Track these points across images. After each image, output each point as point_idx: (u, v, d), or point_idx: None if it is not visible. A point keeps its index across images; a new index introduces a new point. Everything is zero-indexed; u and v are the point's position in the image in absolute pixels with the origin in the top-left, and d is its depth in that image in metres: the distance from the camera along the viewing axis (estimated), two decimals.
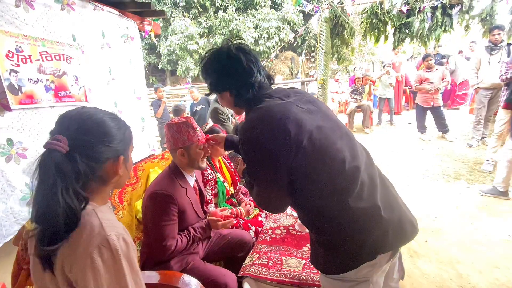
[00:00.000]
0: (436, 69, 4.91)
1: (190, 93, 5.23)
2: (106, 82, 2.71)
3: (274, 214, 1.95)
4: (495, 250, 2.20)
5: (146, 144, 3.44)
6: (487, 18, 4.47)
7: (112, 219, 0.69)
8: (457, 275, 1.96)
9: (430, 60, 4.94)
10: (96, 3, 2.50)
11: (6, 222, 1.77)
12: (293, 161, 0.81)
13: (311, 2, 7.86)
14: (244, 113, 1.00)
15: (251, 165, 0.89)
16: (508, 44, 3.91)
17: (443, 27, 4.75)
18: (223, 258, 1.68)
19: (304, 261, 1.42)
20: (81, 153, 0.66)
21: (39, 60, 1.95)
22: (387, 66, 6.28)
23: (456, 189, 3.43)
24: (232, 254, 1.65)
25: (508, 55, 3.82)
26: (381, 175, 0.93)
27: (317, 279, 1.28)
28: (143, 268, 1.37)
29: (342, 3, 5.16)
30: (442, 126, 4.97)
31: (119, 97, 2.89)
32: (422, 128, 5.17)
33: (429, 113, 5.06)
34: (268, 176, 0.86)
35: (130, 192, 1.81)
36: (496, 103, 4.14)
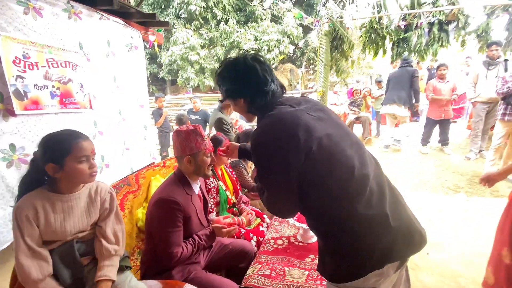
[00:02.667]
0: (448, 81, 4.73)
1: (193, 103, 5.29)
2: (110, 90, 2.73)
3: (275, 224, 1.94)
4: None
5: (148, 153, 3.43)
6: (483, 34, 4.59)
7: (25, 197, 1.08)
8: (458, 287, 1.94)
9: (444, 70, 4.67)
10: (102, 13, 2.54)
11: (4, 228, 1.74)
12: (302, 166, 0.83)
13: (311, 15, 8.05)
14: (256, 120, 1.03)
15: (262, 169, 0.92)
16: (505, 60, 4.01)
17: (440, 42, 4.88)
18: (224, 269, 1.65)
19: (307, 272, 1.41)
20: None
21: (45, 66, 1.97)
22: (378, 85, 6.38)
23: (456, 202, 3.43)
24: (233, 264, 1.63)
25: (505, 70, 3.91)
26: (390, 184, 0.94)
27: None
28: (144, 277, 1.35)
29: (341, 17, 5.30)
30: (444, 139, 4.98)
31: (123, 105, 2.91)
32: (425, 141, 5.09)
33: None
34: (278, 180, 0.87)
35: (132, 199, 1.80)
36: (493, 116, 4.20)
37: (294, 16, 5.51)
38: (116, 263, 1.16)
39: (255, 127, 0.97)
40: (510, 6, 4.32)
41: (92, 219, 1.18)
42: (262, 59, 1.01)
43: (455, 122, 7.17)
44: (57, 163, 1.05)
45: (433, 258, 2.27)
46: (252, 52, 1.02)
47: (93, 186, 1.21)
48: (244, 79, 0.98)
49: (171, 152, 5.69)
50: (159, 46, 4.49)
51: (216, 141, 1.91)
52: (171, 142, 5.97)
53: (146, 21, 3.25)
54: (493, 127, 4.16)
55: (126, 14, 2.93)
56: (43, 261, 1.04)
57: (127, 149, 3.00)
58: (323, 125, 0.89)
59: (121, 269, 1.19)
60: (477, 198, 3.53)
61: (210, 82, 13.04)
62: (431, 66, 7.57)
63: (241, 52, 1.03)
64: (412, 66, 4.96)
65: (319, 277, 1.36)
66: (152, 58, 14.45)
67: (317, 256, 1.54)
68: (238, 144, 1.40)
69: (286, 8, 5.89)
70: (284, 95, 1.05)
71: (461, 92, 6.72)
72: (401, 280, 1.02)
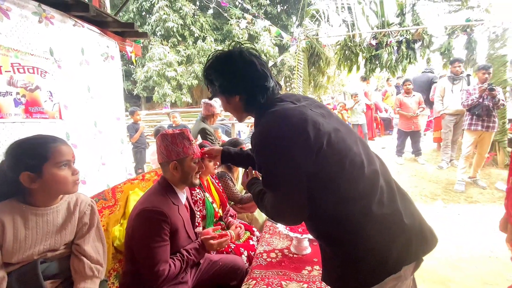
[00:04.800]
0: (413, 95, 5.01)
1: (173, 118, 5.13)
2: (84, 100, 2.55)
3: (266, 236, 1.83)
4: (481, 267, 2.23)
5: (124, 168, 3.21)
6: (446, 52, 5.00)
7: None
8: None
9: (409, 84, 4.96)
10: (76, 20, 2.41)
11: None
12: (313, 165, 0.76)
13: (289, 34, 8.37)
14: (254, 120, 0.95)
15: (269, 170, 0.82)
16: (467, 75, 4.35)
17: (408, 59, 5.23)
18: (214, 287, 1.50)
19: (306, 286, 1.31)
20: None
21: (10, 71, 1.79)
22: (354, 97, 6.55)
23: (434, 209, 3.53)
24: (224, 282, 1.48)
25: (468, 84, 4.23)
26: (395, 181, 0.90)
27: None
28: None
29: (317, 35, 5.53)
30: (417, 149, 5.20)
31: (98, 117, 2.72)
32: (400, 152, 5.29)
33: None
34: (287, 180, 0.79)
35: (108, 215, 1.62)
36: (460, 127, 4.48)
37: (274, 33, 5.65)
38: (96, 286, 0.99)
39: (253, 129, 0.89)
40: (467, 27, 4.77)
41: (67, 237, 1.01)
42: (257, 53, 0.93)
43: (425, 134, 7.63)
44: (34, 171, 0.91)
45: (423, 265, 2.26)
46: (248, 44, 0.94)
47: (72, 198, 1.06)
48: (241, 73, 0.89)
49: (146, 169, 5.42)
50: (137, 58, 4.36)
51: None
52: (147, 159, 5.72)
53: (123, 31, 3.15)
54: (461, 136, 4.43)
55: (102, 23, 2.81)
56: None
57: (103, 164, 2.78)
58: (327, 121, 0.84)
59: None
60: (453, 204, 3.67)
61: (187, 98, 12.92)
62: (398, 83, 8.07)
63: (233, 44, 0.94)
64: (433, 73, 5.33)
65: None
66: (126, 75, 14.10)
67: (314, 267, 1.47)
68: (221, 148, 1.31)
69: (265, 26, 6.07)
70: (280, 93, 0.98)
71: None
72: (409, 285, 0.97)
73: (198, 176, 1.30)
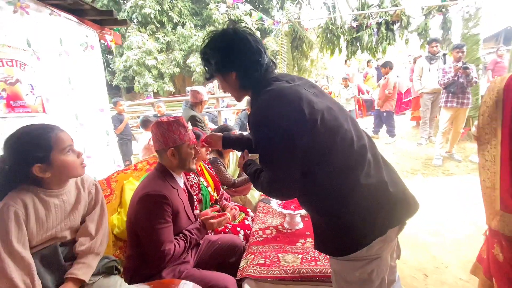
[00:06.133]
0: (387, 78, 5.21)
1: (157, 107, 5.05)
2: (65, 92, 2.49)
3: (261, 216, 1.93)
4: (457, 232, 2.44)
5: (112, 160, 3.18)
6: (423, 32, 5.14)
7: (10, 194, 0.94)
8: (432, 257, 2.12)
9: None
10: (52, 8, 2.31)
11: None
12: (307, 140, 0.82)
13: (270, 17, 8.26)
14: (250, 99, 0.99)
15: (266, 146, 0.87)
16: (444, 54, 4.53)
17: (388, 41, 5.34)
18: (214, 265, 1.59)
19: (300, 256, 1.42)
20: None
21: None
22: (344, 81, 6.47)
23: (415, 183, 3.76)
24: (223, 260, 1.57)
25: (444, 63, 4.41)
26: (381, 154, 0.98)
27: (317, 270, 1.28)
28: (131, 283, 1.23)
29: (299, 18, 5.52)
30: (391, 129, 5.42)
31: (80, 109, 2.66)
32: (376, 131, 5.55)
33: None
34: (284, 156, 0.85)
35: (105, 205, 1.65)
36: (438, 105, 4.69)
37: (256, 18, 5.58)
38: (91, 262, 1.03)
39: (249, 109, 0.94)
40: (443, 7, 4.91)
41: (81, 213, 1.08)
42: (251, 31, 0.94)
43: (404, 114, 7.91)
44: (44, 161, 0.94)
45: (406, 233, 2.43)
46: (242, 23, 0.96)
47: (77, 178, 1.10)
48: (236, 49, 0.90)
49: (134, 161, 5.36)
50: (115, 47, 4.21)
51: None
52: (134, 151, 5.63)
53: (102, 19, 3.03)
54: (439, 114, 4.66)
55: (79, 11, 2.70)
56: (32, 272, 0.89)
57: (88, 157, 2.74)
58: (320, 100, 0.89)
59: (109, 272, 1.07)
60: (432, 178, 3.92)
61: (170, 87, 12.61)
62: (378, 65, 8.25)
63: (227, 22, 0.96)
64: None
65: (313, 258, 1.38)
66: (104, 65, 13.54)
67: (307, 239, 1.58)
68: (221, 134, 1.34)
69: (245, 11, 5.97)
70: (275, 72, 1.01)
71: (407, 87, 7.47)
72: (394, 247, 1.07)
73: (195, 162, 1.35)
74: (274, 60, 1.01)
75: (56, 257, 0.97)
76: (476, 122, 1.20)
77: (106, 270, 1.07)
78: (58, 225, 0.99)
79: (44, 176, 0.96)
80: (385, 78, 5.27)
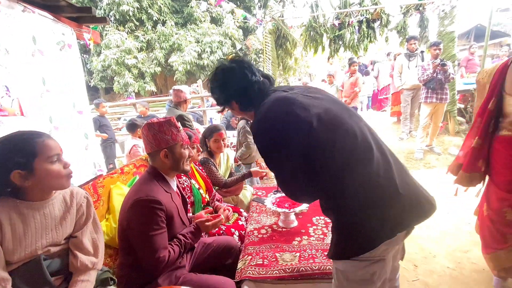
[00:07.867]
0: (356, 77, 5.49)
1: (142, 108, 4.90)
2: (39, 94, 2.33)
3: (254, 216, 1.91)
4: (441, 222, 2.54)
5: (92, 164, 3.04)
6: (402, 30, 5.31)
7: None
8: (420, 248, 2.20)
9: (355, 66, 5.45)
10: (25, 5, 2.17)
11: None
12: (307, 142, 0.83)
13: (251, 15, 8.22)
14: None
15: (267, 155, 0.93)
16: (421, 51, 4.69)
17: (369, 39, 5.47)
18: (210, 269, 1.55)
19: (298, 254, 1.41)
20: None
21: None
22: (329, 77, 6.50)
23: None
24: (219, 262, 1.54)
25: (422, 60, 4.57)
26: (392, 154, 0.95)
27: (316, 267, 1.28)
28: None
29: (282, 16, 5.53)
30: None
31: (54, 112, 2.50)
32: None
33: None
34: (285, 162, 0.88)
35: None
36: (417, 100, 4.87)
37: (240, 16, 5.52)
38: (92, 278, 0.99)
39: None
40: (420, 6, 5.09)
41: (67, 230, 1.00)
42: (239, 58, 1.04)
43: (385, 111, 8.15)
44: (25, 168, 0.88)
45: None
46: (232, 55, 1.02)
47: (67, 191, 1.03)
48: (226, 82, 1.02)
49: (118, 164, 5.18)
50: (93, 46, 4.03)
51: None
52: (118, 153, 5.43)
53: (79, 17, 2.88)
54: (418, 109, 4.83)
55: (55, 8, 2.55)
56: None
57: None
58: (319, 102, 0.91)
59: (104, 285, 1.01)
60: (414, 171, 4.06)
61: (151, 87, 12.28)
62: (359, 62, 8.44)
63: (219, 61, 1.07)
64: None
65: (311, 255, 1.38)
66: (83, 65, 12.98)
67: (302, 237, 1.58)
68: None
69: (229, 9, 5.90)
70: (273, 85, 1.07)
71: (386, 84, 7.69)
72: (399, 249, 1.05)
73: (189, 162, 1.31)
74: (268, 74, 1.08)
75: (40, 273, 0.89)
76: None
77: (101, 283, 1.02)
78: (38, 241, 0.92)
79: (24, 185, 0.89)
80: (352, 76, 5.47)
